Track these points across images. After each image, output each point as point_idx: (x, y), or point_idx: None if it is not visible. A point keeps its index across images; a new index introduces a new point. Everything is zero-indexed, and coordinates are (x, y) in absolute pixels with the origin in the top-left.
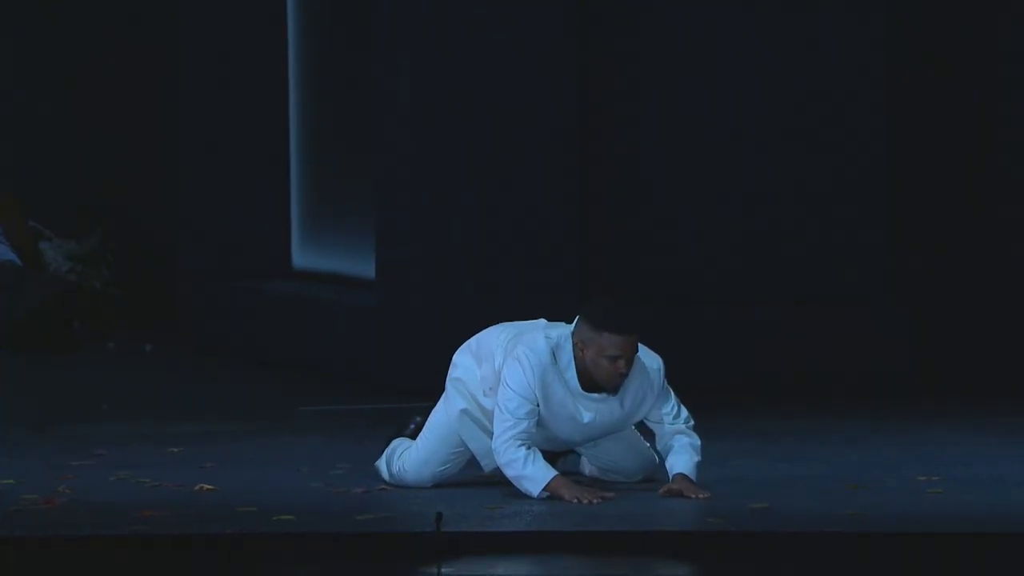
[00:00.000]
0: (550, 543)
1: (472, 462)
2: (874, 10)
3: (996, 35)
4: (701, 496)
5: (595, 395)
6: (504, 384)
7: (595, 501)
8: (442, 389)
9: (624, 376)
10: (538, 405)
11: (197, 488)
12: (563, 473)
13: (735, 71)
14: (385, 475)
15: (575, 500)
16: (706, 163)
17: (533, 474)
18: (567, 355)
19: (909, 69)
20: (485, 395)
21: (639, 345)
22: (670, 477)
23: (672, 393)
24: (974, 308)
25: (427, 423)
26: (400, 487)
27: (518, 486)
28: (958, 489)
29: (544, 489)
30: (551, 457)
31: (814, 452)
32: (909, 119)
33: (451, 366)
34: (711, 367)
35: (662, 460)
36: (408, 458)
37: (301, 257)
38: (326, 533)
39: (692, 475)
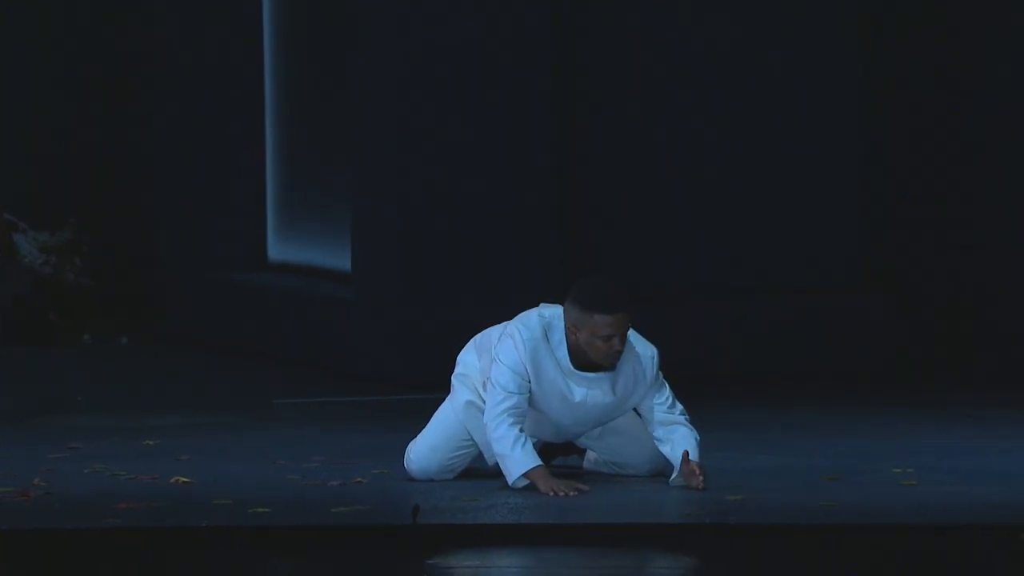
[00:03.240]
0: (527, 535)
1: (476, 460)
2: (856, 3)
3: (972, 26)
4: (700, 486)
5: (587, 374)
6: (496, 359)
7: (571, 494)
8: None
9: (620, 353)
10: (529, 381)
11: (172, 481)
12: (560, 469)
13: (716, 61)
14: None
15: (550, 492)
16: (686, 153)
17: (518, 457)
18: (559, 334)
19: (886, 59)
20: (484, 388)
21: (634, 333)
22: (678, 460)
23: (667, 386)
24: (951, 300)
25: (433, 416)
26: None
27: (500, 464)
28: (932, 481)
29: (523, 476)
30: (551, 451)
31: (789, 443)
32: (887, 109)
33: (456, 364)
34: (687, 358)
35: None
36: (414, 449)
37: (276, 249)
38: (302, 526)
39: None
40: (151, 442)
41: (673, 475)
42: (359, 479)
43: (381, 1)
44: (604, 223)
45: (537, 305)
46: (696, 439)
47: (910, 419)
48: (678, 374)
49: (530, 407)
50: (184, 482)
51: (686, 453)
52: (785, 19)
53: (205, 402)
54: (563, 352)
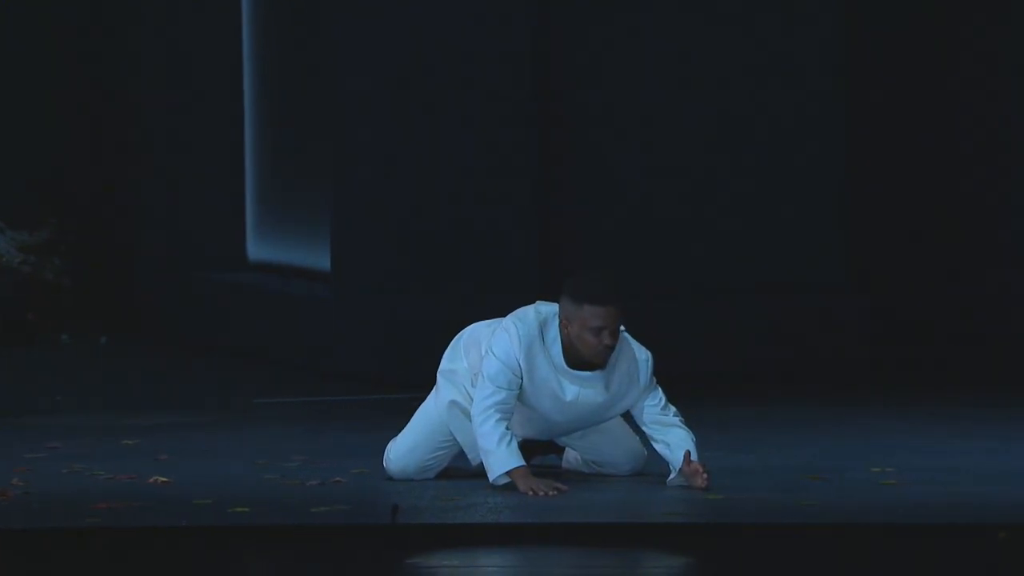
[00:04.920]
0: (507, 535)
1: (458, 457)
2: (835, 6)
3: (953, 31)
4: (704, 485)
5: (580, 373)
6: (489, 352)
7: (550, 493)
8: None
9: (610, 348)
10: (521, 378)
11: (151, 480)
12: (539, 468)
13: (698, 63)
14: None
15: (529, 492)
16: (666, 154)
17: (502, 455)
18: (553, 331)
19: (868, 64)
20: (473, 384)
21: (628, 337)
22: (675, 461)
23: (660, 390)
24: (932, 301)
25: (416, 414)
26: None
27: (483, 460)
28: (912, 481)
29: (505, 474)
30: (530, 450)
31: (770, 443)
32: (869, 112)
33: (441, 360)
34: (667, 357)
35: (651, 450)
36: (393, 448)
37: (256, 249)
38: (281, 525)
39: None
40: (130, 442)
41: (671, 475)
42: (339, 479)
43: (361, 4)
44: (585, 224)
45: (521, 304)
46: (693, 440)
47: (890, 419)
48: (659, 373)
49: (521, 404)
50: (163, 482)
51: (687, 453)
52: (769, 24)
53: (184, 402)
54: (557, 349)
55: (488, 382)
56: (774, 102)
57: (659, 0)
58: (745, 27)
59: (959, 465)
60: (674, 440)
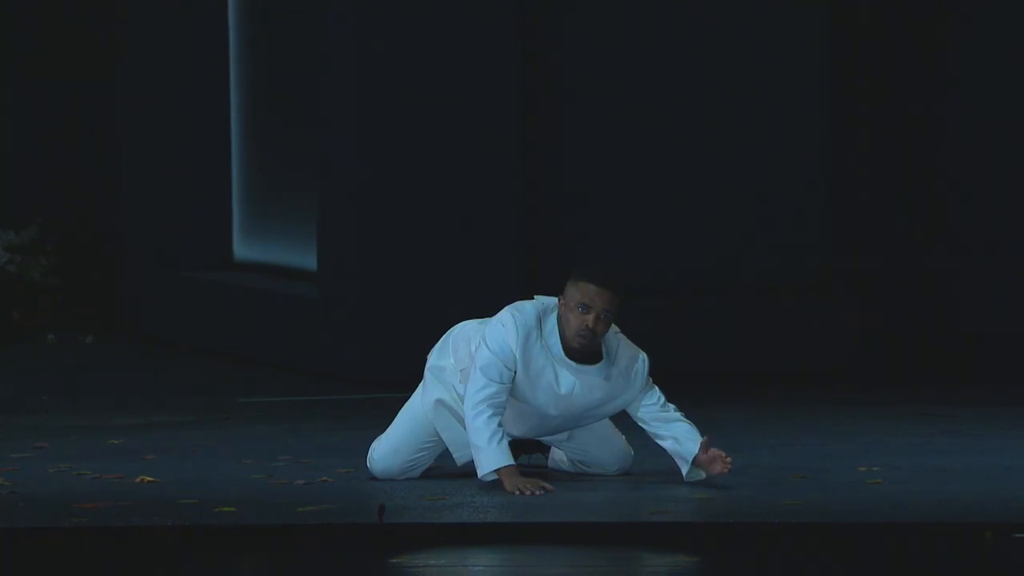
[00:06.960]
0: (492, 534)
1: (441, 459)
2: (820, 7)
3: (938, 34)
4: (728, 468)
5: (578, 365)
6: (483, 343)
7: (537, 492)
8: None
9: (591, 332)
10: (514, 371)
11: (138, 480)
12: (525, 468)
13: (681, 65)
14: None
15: (516, 491)
16: (651, 154)
17: (492, 452)
18: (551, 322)
19: (853, 66)
20: (460, 382)
21: (625, 339)
22: (686, 454)
23: (657, 389)
24: (918, 299)
25: (400, 412)
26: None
27: (473, 454)
28: (899, 480)
29: (493, 472)
30: (516, 449)
31: (757, 442)
32: (853, 110)
33: (429, 356)
34: (655, 356)
35: (653, 451)
36: (378, 447)
37: (242, 248)
38: (267, 525)
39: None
40: (116, 441)
41: (686, 470)
42: (325, 478)
43: (347, 5)
44: (571, 224)
45: (506, 303)
46: (697, 432)
47: (877, 418)
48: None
49: (515, 399)
50: (149, 481)
51: (705, 441)
52: (753, 25)
53: (170, 401)
54: (555, 339)
55: (480, 374)
56: (761, 102)
57: (645, 3)
58: (732, 29)
59: (946, 464)
60: (681, 433)
